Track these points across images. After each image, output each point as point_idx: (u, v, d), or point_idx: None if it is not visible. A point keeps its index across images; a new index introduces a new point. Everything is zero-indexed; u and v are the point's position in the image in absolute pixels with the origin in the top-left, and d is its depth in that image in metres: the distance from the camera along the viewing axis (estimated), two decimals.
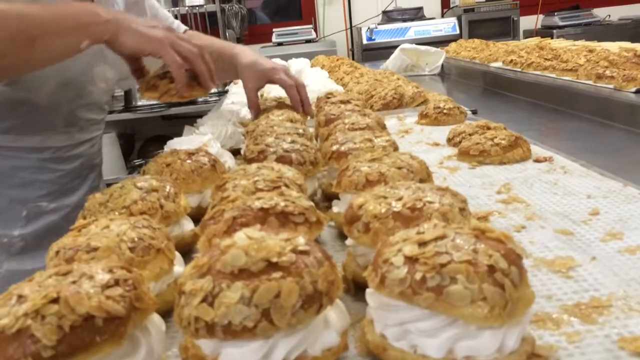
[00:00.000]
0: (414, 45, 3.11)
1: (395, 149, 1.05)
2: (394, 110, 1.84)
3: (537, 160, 1.19)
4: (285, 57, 3.89)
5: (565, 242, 0.78)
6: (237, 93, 2.32)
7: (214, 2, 5.27)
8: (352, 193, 0.86)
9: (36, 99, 1.25)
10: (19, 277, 0.55)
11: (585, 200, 0.94)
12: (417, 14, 5.46)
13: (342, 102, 1.53)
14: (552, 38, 4.81)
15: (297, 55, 4.12)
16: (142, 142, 6.01)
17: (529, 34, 5.63)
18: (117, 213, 0.79)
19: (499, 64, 2.90)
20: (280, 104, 1.69)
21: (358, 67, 2.99)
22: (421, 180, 0.86)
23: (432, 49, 3.14)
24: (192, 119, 3.37)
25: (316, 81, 2.38)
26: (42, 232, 1.32)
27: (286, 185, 0.82)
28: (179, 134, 1.82)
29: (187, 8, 5.23)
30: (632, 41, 3.12)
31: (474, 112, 1.81)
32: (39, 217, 1.34)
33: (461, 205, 0.69)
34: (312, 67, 3.35)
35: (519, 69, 2.62)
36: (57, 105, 1.31)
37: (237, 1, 5.77)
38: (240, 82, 2.69)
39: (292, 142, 1.03)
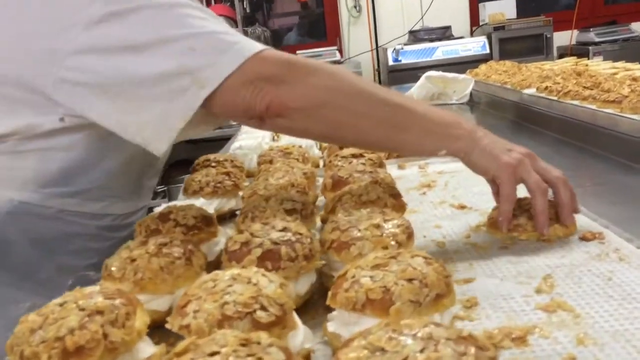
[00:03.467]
0: (440, 73, 2.92)
1: (409, 236, 0.87)
2: (415, 158, 1.65)
3: (584, 238, 0.98)
4: None
5: None
6: (248, 132, 2.16)
7: (237, 26, 5.17)
8: (349, 311, 0.68)
9: (111, 165, 1.16)
10: None
11: None
12: (444, 34, 5.26)
13: (354, 155, 1.35)
14: (588, 56, 4.57)
15: None
16: (166, 167, 5.92)
17: (562, 50, 5.38)
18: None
19: (532, 91, 2.68)
20: (287, 154, 1.53)
21: None
22: (438, 296, 0.67)
23: (461, 76, 2.94)
24: (216, 142, 3.22)
25: None
26: None
27: (263, 308, 0.64)
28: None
29: None
30: None
31: None
32: (84, 287, 1.21)
33: None
34: None
35: (555, 97, 2.41)
36: (130, 173, 1.22)
37: (261, 24, 5.67)
38: None
39: (284, 229, 0.85)
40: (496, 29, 5.09)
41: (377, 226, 0.85)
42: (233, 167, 1.45)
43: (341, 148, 1.50)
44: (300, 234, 0.85)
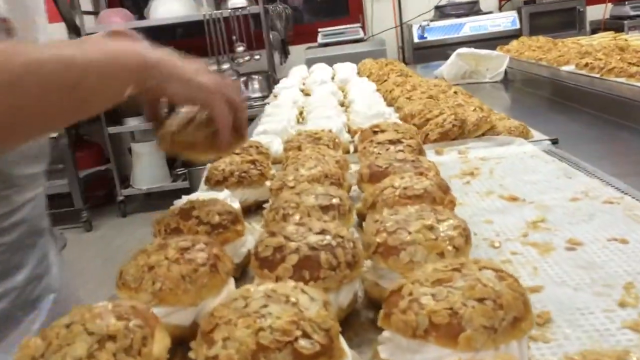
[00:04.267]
0: (472, 50, 2.76)
1: (467, 239, 0.75)
2: (453, 142, 1.52)
3: None
4: (331, 59, 3.60)
5: None
6: (271, 114, 2.04)
7: (257, 3, 5.04)
8: (407, 338, 0.57)
9: None
10: None
11: None
12: (472, 9, 5.07)
13: (391, 142, 1.23)
14: (624, 31, 4.36)
15: (344, 57, 3.82)
16: None
17: (595, 25, 5.15)
18: None
19: (571, 68, 2.52)
20: (316, 140, 1.41)
21: (410, 75, 2.67)
22: (515, 320, 0.55)
23: (494, 52, 2.79)
24: None
25: (362, 99, 2.08)
26: None
27: (306, 335, 0.53)
28: None
29: (229, 10, 5.02)
30: None
31: (555, 143, 1.48)
32: None
33: None
34: (358, 74, 3.05)
35: (597, 75, 2.25)
36: None
37: (282, 1, 5.51)
38: (278, 101, 2.40)
39: (323, 231, 0.74)
40: (526, 3, 4.90)
41: (431, 227, 0.73)
42: (259, 154, 1.34)
43: (375, 132, 1.38)
44: (342, 237, 0.73)
